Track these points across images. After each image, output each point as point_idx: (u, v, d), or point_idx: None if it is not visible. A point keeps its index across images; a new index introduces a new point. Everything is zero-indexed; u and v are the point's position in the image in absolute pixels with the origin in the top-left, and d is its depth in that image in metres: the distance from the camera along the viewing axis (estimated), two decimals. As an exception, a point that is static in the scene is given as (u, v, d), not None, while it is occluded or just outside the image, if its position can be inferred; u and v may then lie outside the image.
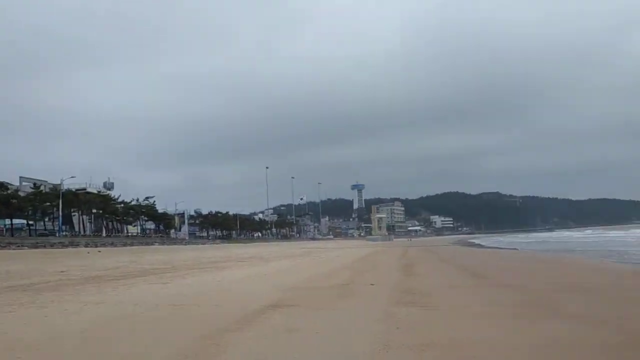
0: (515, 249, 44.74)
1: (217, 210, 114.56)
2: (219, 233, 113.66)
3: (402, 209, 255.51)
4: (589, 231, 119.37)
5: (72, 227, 75.30)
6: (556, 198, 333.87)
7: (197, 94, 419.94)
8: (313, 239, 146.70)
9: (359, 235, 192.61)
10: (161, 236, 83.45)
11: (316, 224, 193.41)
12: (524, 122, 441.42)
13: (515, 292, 10.00)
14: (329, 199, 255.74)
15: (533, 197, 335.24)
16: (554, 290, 10.29)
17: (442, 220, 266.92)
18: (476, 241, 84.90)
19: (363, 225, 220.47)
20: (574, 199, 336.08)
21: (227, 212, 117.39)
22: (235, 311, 7.84)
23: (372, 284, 11.96)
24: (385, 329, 6.13)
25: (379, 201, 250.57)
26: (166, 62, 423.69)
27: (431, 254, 33.55)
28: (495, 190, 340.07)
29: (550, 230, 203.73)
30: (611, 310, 7.45)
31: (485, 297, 9.44)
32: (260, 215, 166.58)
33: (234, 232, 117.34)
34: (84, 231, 73.01)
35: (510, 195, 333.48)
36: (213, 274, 16.41)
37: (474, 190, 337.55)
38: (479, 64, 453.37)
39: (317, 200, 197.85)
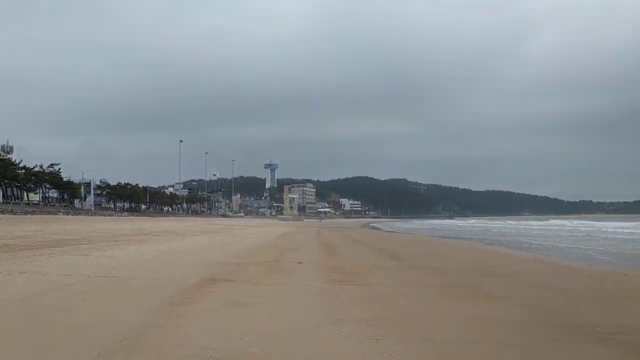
0: (411, 234, 47.09)
1: (125, 181, 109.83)
2: (126, 205, 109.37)
3: (314, 190, 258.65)
4: (472, 220, 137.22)
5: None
6: (457, 187, 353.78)
7: (97, 61, 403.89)
8: (224, 215, 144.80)
9: (270, 214, 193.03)
10: (65, 206, 78.56)
11: (227, 201, 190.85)
12: (428, 115, 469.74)
13: (433, 274, 10.80)
14: (241, 177, 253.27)
15: (437, 185, 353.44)
16: (467, 273, 11.23)
17: (351, 204, 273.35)
18: (377, 225, 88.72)
19: (275, 204, 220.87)
20: (473, 189, 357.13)
21: (136, 184, 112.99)
22: (175, 284, 7.87)
23: (300, 262, 12.34)
24: (329, 304, 6.48)
25: (291, 181, 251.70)
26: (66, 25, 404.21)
27: (343, 235, 34.66)
28: (402, 177, 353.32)
29: (450, 217, 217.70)
30: (521, 292, 8.33)
31: (408, 278, 10.14)
32: (171, 189, 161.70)
33: (142, 205, 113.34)
34: (-24, 197, 67.21)
35: (416, 183, 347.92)
36: (133, 247, 16.03)
37: (382, 176, 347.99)
38: (386, 56, 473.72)
39: (230, 177, 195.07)
